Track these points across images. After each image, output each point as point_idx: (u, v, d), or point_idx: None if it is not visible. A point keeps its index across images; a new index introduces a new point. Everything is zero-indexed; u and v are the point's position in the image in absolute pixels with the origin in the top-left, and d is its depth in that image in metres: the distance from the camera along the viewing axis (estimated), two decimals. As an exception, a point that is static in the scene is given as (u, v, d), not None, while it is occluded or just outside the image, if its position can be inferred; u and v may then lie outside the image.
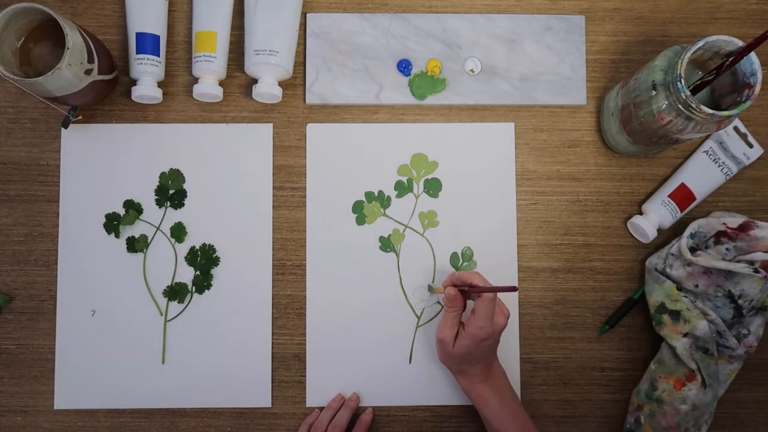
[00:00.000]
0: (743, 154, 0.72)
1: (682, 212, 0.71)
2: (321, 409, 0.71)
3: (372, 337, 0.72)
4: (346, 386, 0.71)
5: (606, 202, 0.74)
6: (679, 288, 0.68)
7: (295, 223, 0.73)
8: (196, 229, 0.72)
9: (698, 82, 0.61)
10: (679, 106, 0.59)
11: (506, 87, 0.73)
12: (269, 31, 0.69)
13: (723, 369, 0.68)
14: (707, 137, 0.73)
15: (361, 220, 0.73)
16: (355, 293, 0.72)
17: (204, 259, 0.72)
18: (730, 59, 0.59)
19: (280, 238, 0.72)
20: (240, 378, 0.71)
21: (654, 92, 0.62)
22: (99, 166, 0.72)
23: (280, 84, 0.71)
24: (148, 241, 0.72)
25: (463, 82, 0.73)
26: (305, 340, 0.71)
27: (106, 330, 0.71)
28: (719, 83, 0.63)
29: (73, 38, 0.60)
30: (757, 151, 0.72)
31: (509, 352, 0.72)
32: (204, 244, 0.72)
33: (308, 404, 0.71)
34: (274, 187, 0.73)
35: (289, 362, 0.72)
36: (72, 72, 0.61)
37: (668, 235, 0.72)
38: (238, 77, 0.74)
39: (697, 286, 0.67)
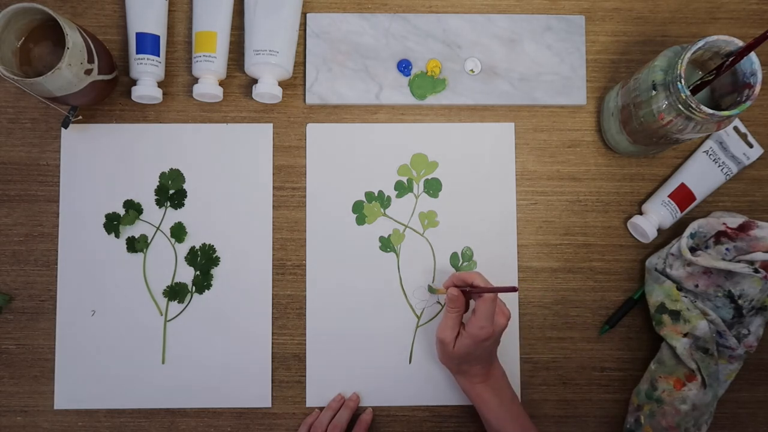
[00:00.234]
0: (743, 154, 0.72)
1: (682, 212, 0.71)
2: (321, 409, 0.71)
3: (372, 337, 0.72)
4: (346, 386, 0.71)
5: (606, 202, 0.74)
6: (679, 288, 0.68)
7: (295, 223, 0.73)
8: (196, 229, 0.72)
9: (698, 82, 0.61)
10: (679, 106, 0.59)
11: (506, 87, 0.73)
12: (269, 31, 0.69)
13: (723, 369, 0.68)
14: (707, 137, 0.73)
15: (361, 220, 0.73)
16: (355, 293, 0.72)
17: (204, 259, 0.72)
18: (730, 59, 0.59)
19: (280, 238, 0.72)
20: (240, 378, 0.71)
21: (654, 92, 0.62)
22: (99, 166, 0.72)
23: (280, 84, 0.71)
24: (148, 241, 0.72)
25: (463, 82, 0.73)
26: (305, 340, 0.72)
27: (106, 330, 0.71)
28: (719, 83, 0.63)
29: (73, 38, 0.60)
30: (757, 151, 0.72)
31: (509, 352, 0.72)
32: (204, 244, 0.72)
33: (308, 404, 0.71)
34: (274, 187, 0.73)
35: (289, 362, 0.72)
36: (72, 72, 0.61)
37: (668, 235, 0.72)
38: (238, 77, 0.74)
39: (697, 286, 0.67)
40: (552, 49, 0.73)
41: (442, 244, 0.73)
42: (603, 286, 0.73)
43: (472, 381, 0.66)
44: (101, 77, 0.66)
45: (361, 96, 0.73)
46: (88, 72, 0.63)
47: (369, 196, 0.73)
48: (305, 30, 0.73)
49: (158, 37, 0.70)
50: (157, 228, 0.72)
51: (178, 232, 0.72)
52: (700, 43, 0.59)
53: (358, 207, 0.73)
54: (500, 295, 0.66)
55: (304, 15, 0.73)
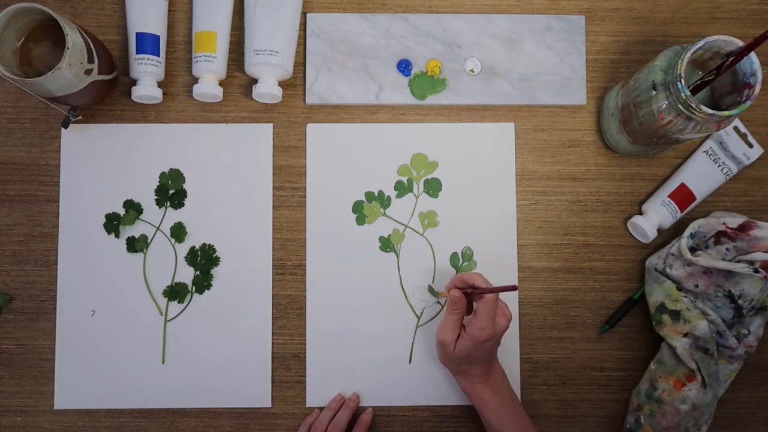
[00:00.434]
0: (743, 154, 0.72)
1: (682, 212, 0.71)
2: (321, 409, 0.71)
3: (372, 337, 0.72)
4: (346, 386, 0.71)
5: (606, 202, 0.74)
6: (679, 288, 0.68)
7: (295, 223, 0.73)
8: (196, 229, 0.72)
9: (698, 82, 0.61)
10: (679, 106, 0.59)
11: (506, 87, 0.73)
12: (269, 31, 0.69)
13: (723, 369, 0.68)
14: (707, 137, 0.73)
15: (361, 220, 0.73)
16: (355, 293, 0.72)
17: (204, 259, 0.72)
18: (730, 59, 0.59)
19: (280, 238, 0.72)
20: (240, 378, 0.71)
21: (654, 92, 0.62)
22: (99, 166, 0.72)
23: (280, 84, 0.71)
24: (148, 241, 0.72)
25: (463, 82, 0.73)
26: (305, 340, 0.71)
27: (106, 330, 0.71)
28: (719, 83, 0.63)
29: (73, 38, 0.60)
30: (757, 151, 0.72)
31: (509, 352, 0.72)
32: (204, 244, 0.72)
33: (308, 404, 0.71)
34: (274, 187, 0.73)
35: (289, 362, 0.72)
36: (72, 72, 0.61)
37: (668, 235, 0.72)
38: (238, 77, 0.74)
39: (697, 286, 0.67)
40: (552, 49, 0.73)
41: (442, 244, 0.73)
42: (603, 286, 0.73)
43: (472, 381, 0.66)
44: (101, 77, 0.66)
45: (361, 96, 0.73)
46: (88, 72, 0.63)
47: (369, 196, 0.73)
48: (305, 30, 0.73)
49: (158, 37, 0.70)
50: (157, 228, 0.72)
51: (178, 232, 0.72)
52: (700, 43, 0.59)
53: (358, 207, 0.73)
54: (501, 295, 0.66)
55: (304, 15, 0.73)
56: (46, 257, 0.72)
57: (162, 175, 0.72)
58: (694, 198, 0.71)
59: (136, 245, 0.71)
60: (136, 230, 0.72)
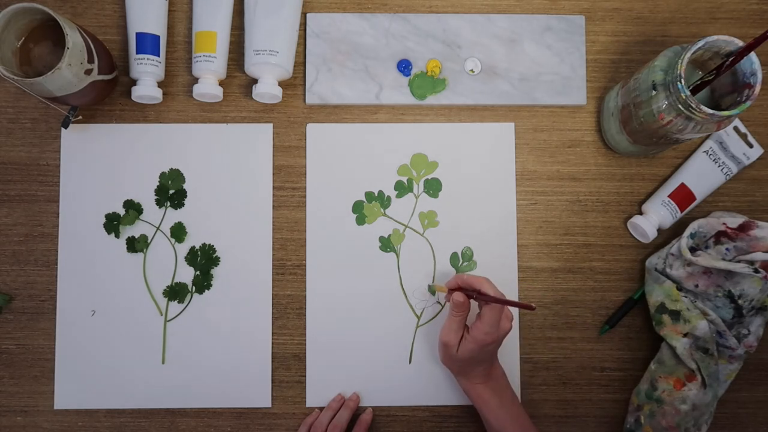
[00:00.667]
0: (743, 154, 0.72)
1: (682, 212, 0.71)
2: (321, 409, 0.71)
3: (372, 337, 0.72)
4: (346, 386, 0.71)
5: (606, 202, 0.74)
6: (679, 288, 0.68)
7: (295, 223, 0.73)
8: (196, 229, 0.72)
9: (698, 82, 0.61)
10: (679, 106, 0.59)
11: (506, 87, 0.73)
12: (269, 31, 0.69)
13: (723, 369, 0.68)
14: (707, 137, 0.73)
15: (361, 220, 0.73)
16: (355, 293, 0.72)
17: (204, 259, 0.72)
18: (730, 59, 0.59)
19: (280, 238, 0.72)
20: (240, 378, 0.71)
21: (654, 92, 0.62)
22: (99, 166, 0.72)
23: (280, 84, 0.71)
24: (148, 241, 0.72)
25: (463, 82, 0.73)
26: (305, 340, 0.71)
27: (106, 330, 0.71)
28: (719, 83, 0.63)
29: (73, 38, 0.60)
30: (757, 151, 0.72)
31: (509, 352, 0.72)
32: (204, 244, 0.72)
33: (308, 404, 0.71)
34: (274, 187, 0.73)
35: (289, 362, 0.72)
36: (72, 72, 0.61)
37: (668, 235, 0.72)
38: (238, 77, 0.74)
39: (697, 286, 0.67)
40: (552, 49, 0.73)
41: (442, 244, 0.73)
42: (603, 286, 0.73)
43: (473, 382, 0.66)
44: (101, 77, 0.66)
45: (361, 96, 0.73)
46: (88, 72, 0.63)
47: (369, 196, 0.73)
48: (305, 30, 0.73)
49: (158, 37, 0.70)
50: (157, 228, 0.72)
51: (178, 232, 0.72)
52: (700, 43, 0.59)
53: (358, 207, 0.73)
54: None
55: (304, 15, 0.73)
56: (46, 257, 0.72)
57: (162, 175, 0.72)
58: (694, 198, 0.71)
59: (136, 245, 0.71)
60: (136, 230, 0.72)
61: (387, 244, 0.72)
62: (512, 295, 0.72)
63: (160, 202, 0.72)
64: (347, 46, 0.73)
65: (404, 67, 0.73)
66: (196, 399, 0.71)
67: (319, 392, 0.71)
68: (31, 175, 0.72)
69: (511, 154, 0.74)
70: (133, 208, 0.72)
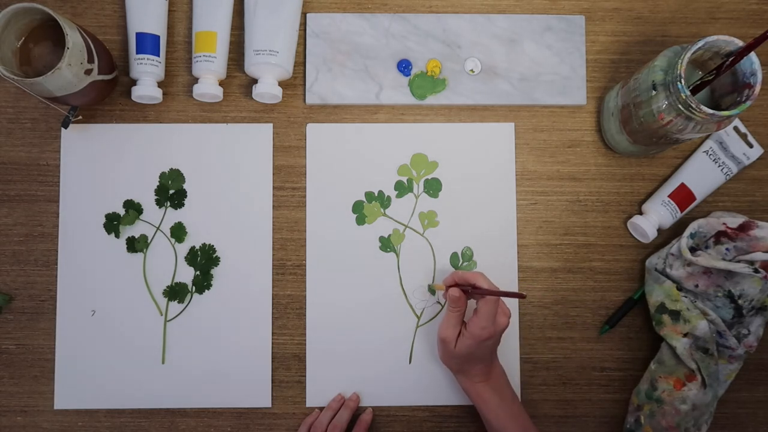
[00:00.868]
0: (743, 154, 0.72)
1: (682, 212, 0.71)
2: (321, 409, 0.71)
3: (372, 337, 0.72)
4: (346, 386, 0.71)
5: (606, 202, 0.74)
6: (679, 288, 0.68)
7: (295, 223, 0.73)
8: (196, 229, 0.72)
9: (698, 82, 0.61)
10: (679, 106, 0.59)
11: (506, 87, 0.73)
12: (269, 31, 0.69)
13: (723, 369, 0.68)
14: (707, 137, 0.73)
15: (361, 220, 0.73)
16: (355, 293, 0.72)
17: (204, 259, 0.72)
18: (730, 59, 0.59)
19: (280, 238, 0.72)
20: (240, 378, 0.71)
21: (654, 92, 0.62)
22: (99, 166, 0.72)
23: (280, 84, 0.71)
24: (148, 241, 0.72)
25: (463, 82, 0.73)
26: (305, 340, 0.71)
27: (106, 330, 0.71)
28: (719, 83, 0.63)
29: (73, 38, 0.60)
30: (757, 151, 0.72)
31: (509, 352, 0.72)
32: (204, 244, 0.72)
33: (308, 404, 0.71)
34: (274, 187, 0.73)
35: (289, 362, 0.72)
36: (72, 72, 0.61)
37: (668, 235, 0.72)
38: (238, 77, 0.74)
39: (697, 286, 0.67)
40: (552, 49, 0.73)
41: (442, 244, 0.73)
42: (603, 286, 0.73)
43: (473, 380, 0.66)
44: (101, 77, 0.66)
45: (361, 96, 0.73)
46: (88, 72, 0.63)
47: (369, 196, 0.73)
48: (305, 30, 0.73)
49: (158, 37, 0.70)
50: (157, 228, 0.72)
51: (178, 232, 0.72)
52: (700, 43, 0.59)
53: (358, 207, 0.73)
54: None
55: (304, 15, 0.73)
56: (46, 257, 0.72)
57: (162, 175, 0.72)
58: (694, 198, 0.71)
59: (136, 245, 0.71)
60: (136, 230, 0.72)
61: (387, 244, 0.72)
62: (512, 295, 0.72)
63: (160, 202, 0.72)
64: (347, 46, 0.73)
65: (404, 67, 0.73)
66: (196, 399, 0.71)
67: (319, 392, 0.71)
68: (31, 175, 0.72)
69: (511, 154, 0.74)
70: (133, 208, 0.72)
